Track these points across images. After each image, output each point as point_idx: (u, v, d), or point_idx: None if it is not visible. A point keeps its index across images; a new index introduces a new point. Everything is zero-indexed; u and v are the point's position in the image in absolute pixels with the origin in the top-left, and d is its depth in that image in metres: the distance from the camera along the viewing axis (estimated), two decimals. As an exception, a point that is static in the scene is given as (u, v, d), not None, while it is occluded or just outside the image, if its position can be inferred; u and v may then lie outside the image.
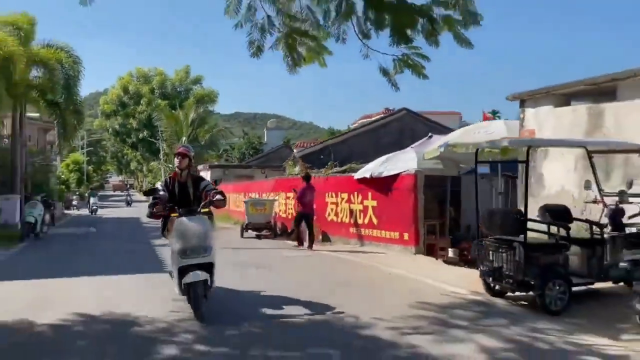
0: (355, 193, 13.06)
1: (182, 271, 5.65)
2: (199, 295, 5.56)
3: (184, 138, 36.42)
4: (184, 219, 5.83)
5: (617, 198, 6.90)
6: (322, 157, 18.90)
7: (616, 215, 6.76)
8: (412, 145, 14.30)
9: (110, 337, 5.33)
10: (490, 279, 6.81)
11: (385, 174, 11.98)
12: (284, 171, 20.77)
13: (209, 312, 5.79)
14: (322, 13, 6.36)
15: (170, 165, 39.94)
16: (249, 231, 15.42)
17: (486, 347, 5.04)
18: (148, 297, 7.01)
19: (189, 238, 5.67)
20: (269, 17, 6.31)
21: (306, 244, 12.79)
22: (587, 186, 7.22)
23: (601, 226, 6.66)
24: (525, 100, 9.61)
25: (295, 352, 4.85)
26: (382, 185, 12.14)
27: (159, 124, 40.30)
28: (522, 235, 6.33)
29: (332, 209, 14.02)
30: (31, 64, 18.23)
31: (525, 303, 6.68)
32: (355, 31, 6.49)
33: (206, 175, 31.59)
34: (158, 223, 6.87)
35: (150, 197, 6.54)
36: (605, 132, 8.15)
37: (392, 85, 6.73)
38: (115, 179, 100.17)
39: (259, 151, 48.07)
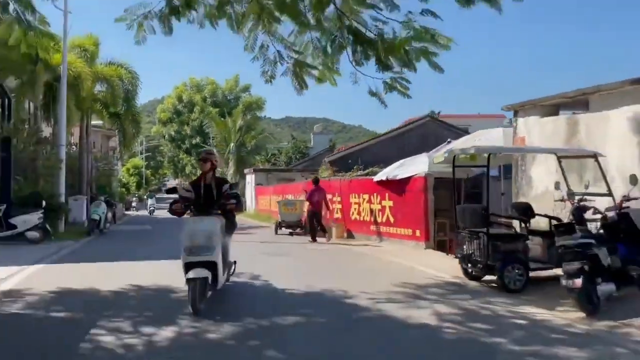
0: (375, 194, 14.48)
1: (187, 267, 6.08)
2: (196, 291, 5.86)
3: (232, 144, 38.82)
4: (193, 218, 6.43)
5: (581, 196, 8.04)
6: (349, 161, 20.43)
7: (579, 211, 7.91)
8: (432, 151, 15.55)
9: (153, 299, 7.08)
10: (465, 264, 8.13)
11: (399, 176, 13.35)
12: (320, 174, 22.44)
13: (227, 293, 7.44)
14: (321, 48, 7.86)
15: (220, 169, 42.48)
16: (283, 229, 17.13)
17: (439, 312, 6.41)
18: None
19: (195, 237, 6.12)
20: (278, 52, 7.92)
21: (320, 239, 14.62)
22: (557, 187, 8.38)
23: (559, 219, 7.84)
24: (517, 110, 10.78)
25: (287, 311, 6.41)
26: (397, 187, 13.51)
27: (210, 131, 42.89)
28: (487, 227, 7.63)
29: (355, 209, 15.50)
30: (96, 80, 20.71)
31: (495, 285, 7.94)
32: (349, 60, 8.00)
33: (251, 178, 33.72)
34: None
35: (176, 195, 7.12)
36: (579, 139, 9.25)
37: (381, 102, 8.17)
38: (172, 182, 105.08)
39: (305, 155, 49.91)
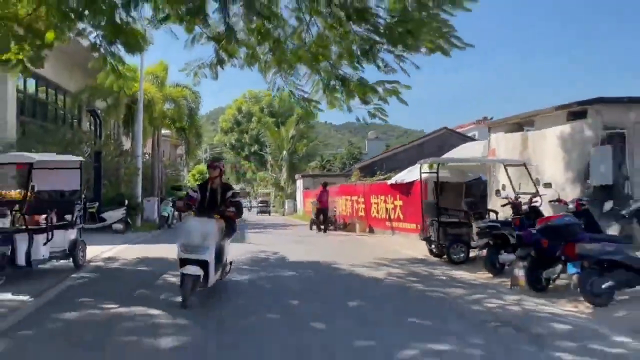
0: (389, 195, 17.33)
1: (182, 262, 6.50)
2: (187, 286, 6.31)
3: (284, 152, 42.47)
4: (192, 218, 6.86)
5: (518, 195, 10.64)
6: (375, 168, 23.31)
7: (514, 206, 10.50)
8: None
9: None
10: (429, 244, 10.94)
11: (406, 180, 16.15)
12: (350, 179, 25.54)
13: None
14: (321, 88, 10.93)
15: (274, 175, 46.39)
16: (314, 226, 20.28)
17: (391, 272, 9.32)
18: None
19: (192, 236, 6.52)
20: (290, 91, 11.08)
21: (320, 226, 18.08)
22: (503, 188, 11.04)
23: (496, 213, 10.50)
24: (490, 127, 13.40)
25: (288, 269, 9.52)
26: (405, 189, 16.31)
27: (265, 140, 46.77)
28: (438, 217, 10.44)
29: (375, 208, 18.40)
30: (165, 100, 24.70)
31: (446, 259, 10.69)
32: (341, 94, 11.01)
33: (300, 183, 37.12)
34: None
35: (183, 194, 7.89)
36: (529, 151, 11.78)
37: (366, 123, 11.13)
38: (236, 188, 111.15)
39: (357, 161, 52.89)
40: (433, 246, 10.93)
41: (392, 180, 16.93)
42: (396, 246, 13.79)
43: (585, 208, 8.28)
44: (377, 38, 8.99)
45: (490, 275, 8.88)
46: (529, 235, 7.40)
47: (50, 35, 9.95)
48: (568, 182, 10.35)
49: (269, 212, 43.51)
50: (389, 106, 10.33)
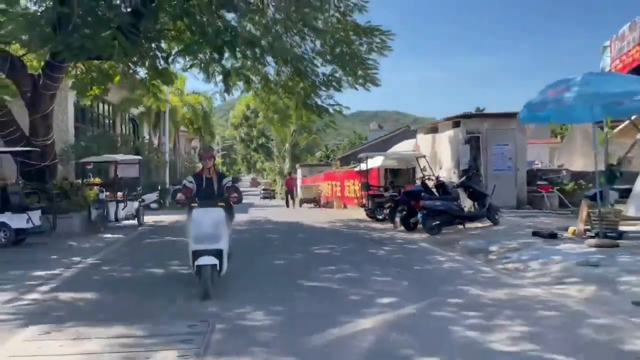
0: (356, 179, 22.94)
1: (195, 255, 6.29)
2: (206, 277, 6.14)
3: (287, 144, 48.17)
4: (200, 209, 6.58)
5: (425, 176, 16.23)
6: (351, 158, 29.00)
7: (423, 183, 16.05)
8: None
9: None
10: (366, 210, 16.62)
11: (364, 167, 21.72)
12: (333, 168, 31.29)
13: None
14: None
15: (279, 165, 52.25)
16: (304, 204, 26.01)
17: (334, 224, 15.03)
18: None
19: (203, 226, 6.35)
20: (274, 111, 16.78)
21: (291, 203, 23.74)
22: (423, 171, 16.64)
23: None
24: (417, 129, 19.01)
25: (269, 226, 15.28)
26: (363, 175, 21.89)
27: (270, 134, 52.52)
28: (367, 191, 16.11)
29: (347, 189, 24.07)
30: (184, 105, 30.54)
31: (376, 219, 16.29)
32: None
33: (299, 172, 42.88)
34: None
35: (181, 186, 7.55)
36: (436, 149, 17.33)
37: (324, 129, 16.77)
38: (247, 178, 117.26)
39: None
40: (368, 211, 16.59)
41: (357, 168, 22.56)
42: (349, 213, 19.51)
43: (441, 182, 13.88)
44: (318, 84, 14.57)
45: (391, 225, 14.52)
46: (402, 198, 13.05)
47: (117, 78, 15.75)
48: (452, 167, 15.93)
49: (272, 197, 49.33)
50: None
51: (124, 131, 26.95)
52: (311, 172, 39.15)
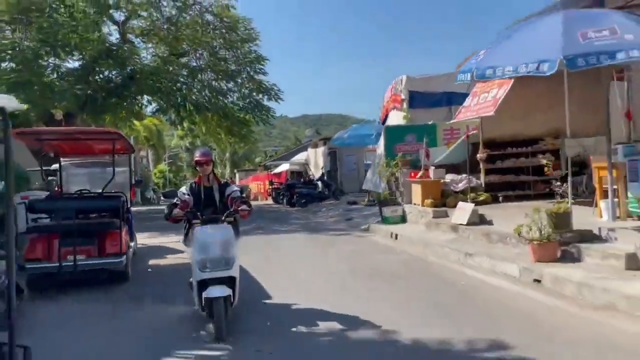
0: (272, 180, 32.64)
1: (202, 284, 5.07)
2: (220, 312, 4.86)
3: (227, 153, 57.33)
4: (205, 227, 5.34)
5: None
6: (270, 164, 38.85)
7: (310, 180, 25.87)
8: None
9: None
10: (272, 199, 26.35)
11: (276, 171, 31.49)
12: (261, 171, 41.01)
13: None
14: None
15: (220, 171, 61.26)
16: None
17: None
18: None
19: (210, 249, 5.12)
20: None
21: None
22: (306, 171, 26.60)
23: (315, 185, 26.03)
24: (307, 144, 28.99)
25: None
26: (275, 175, 31.67)
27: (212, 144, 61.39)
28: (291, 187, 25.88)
29: (267, 188, 33.73)
30: (145, 129, 39.25)
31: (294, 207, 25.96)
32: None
33: (237, 176, 52.24)
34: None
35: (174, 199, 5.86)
36: (317, 159, 27.27)
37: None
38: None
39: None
40: (272, 198, 26.24)
41: (272, 170, 32.35)
42: (266, 202, 29.13)
43: (310, 178, 23.92)
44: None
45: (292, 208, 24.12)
46: (285, 188, 22.85)
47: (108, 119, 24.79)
48: (323, 169, 25.88)
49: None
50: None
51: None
52: (247, 176, 48.75)
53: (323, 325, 5.27)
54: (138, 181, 16.37)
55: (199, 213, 5.51)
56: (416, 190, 12.73)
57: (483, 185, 12.14)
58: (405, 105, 15.00)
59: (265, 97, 24.36)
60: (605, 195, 7.74)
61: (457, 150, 12.99)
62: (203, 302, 5.02)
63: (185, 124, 24.07)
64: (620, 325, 4.76)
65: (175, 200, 5.75)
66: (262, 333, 5.17)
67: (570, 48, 6.29)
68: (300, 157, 31.27)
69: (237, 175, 52.14)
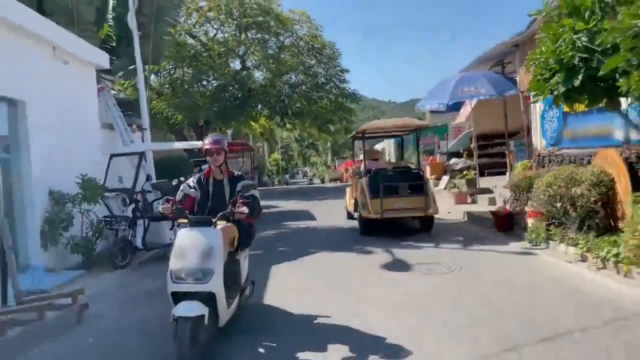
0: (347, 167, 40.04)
1: (174, 297, 4.36)
2: (184, 335, 4.02)
3: (328, 142, 65.52)
4: (186, 230, 4.60)
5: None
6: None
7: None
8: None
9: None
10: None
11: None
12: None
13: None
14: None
15: (323, 158, 69.77)
16: (332, 182, 43.24)
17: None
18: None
19: (187, 256, 4.39)
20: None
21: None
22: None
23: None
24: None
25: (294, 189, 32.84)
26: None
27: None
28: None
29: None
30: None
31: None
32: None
33: (336, 163, 60.25)
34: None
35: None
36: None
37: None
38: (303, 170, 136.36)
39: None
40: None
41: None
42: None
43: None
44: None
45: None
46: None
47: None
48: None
49: (312, 182, 66.26)
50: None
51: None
52: (343, 163, 56.75)
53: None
54: (255, 167, 24.87)
55: (186, 211, 4.76)
56: (427, 169, 19.64)
57: (477, 166, 18.64)
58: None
59: (348, 100, 31.93)
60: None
61: (460, 141, 19.73)
62: (172, 319, 4.13)
63: (287, 126, 32.57)
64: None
65: (178, 195, 5.09)
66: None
67: (453, 97, 13.16)
68: (378, 146, 38.29)
69: (335, 162, 60.28)
